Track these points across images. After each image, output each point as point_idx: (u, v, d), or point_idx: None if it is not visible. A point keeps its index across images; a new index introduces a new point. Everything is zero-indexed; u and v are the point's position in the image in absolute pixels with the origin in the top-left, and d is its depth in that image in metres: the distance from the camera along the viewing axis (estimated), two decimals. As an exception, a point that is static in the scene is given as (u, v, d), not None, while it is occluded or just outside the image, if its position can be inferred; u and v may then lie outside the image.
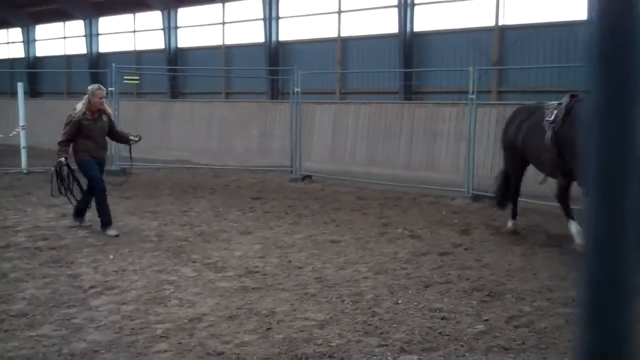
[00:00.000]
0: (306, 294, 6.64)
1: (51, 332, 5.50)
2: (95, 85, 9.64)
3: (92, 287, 6.80)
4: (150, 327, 5.63)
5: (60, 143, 9.30)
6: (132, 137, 9.98)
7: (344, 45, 22.51)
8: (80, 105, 9.29)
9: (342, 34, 22.59)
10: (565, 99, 8.58)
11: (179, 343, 5.29)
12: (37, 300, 6.33)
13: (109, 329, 5.60)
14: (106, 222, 9.37)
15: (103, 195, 9.36)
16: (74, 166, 9.49)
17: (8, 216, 10.66)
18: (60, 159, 9.27)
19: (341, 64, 22.45)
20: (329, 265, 7.77)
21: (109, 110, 9.91)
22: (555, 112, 8.52)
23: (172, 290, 6.70)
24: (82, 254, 8.18)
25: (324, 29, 23.10)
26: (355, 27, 22.30)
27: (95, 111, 9.40)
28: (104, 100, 9.59)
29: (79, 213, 9.74)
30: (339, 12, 22.68)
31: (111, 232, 9.25)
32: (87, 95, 9.36)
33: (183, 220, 10.56)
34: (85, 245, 8.65)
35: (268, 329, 5.60)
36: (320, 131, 17.24)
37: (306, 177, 15.55)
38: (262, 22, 24.22)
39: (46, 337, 5.39)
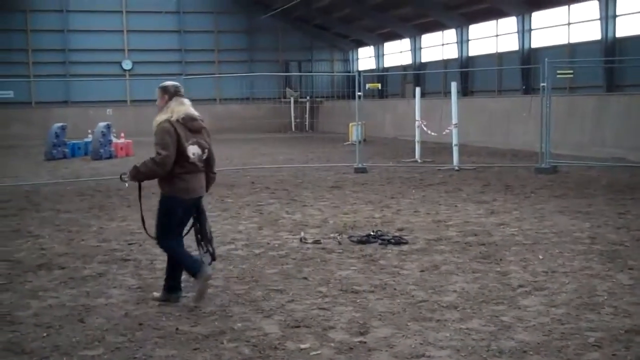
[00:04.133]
0: None
1: (480, 327, 5.48)
2: None
3: (520, 285, 6.63)
4: (581, 334, 5.26)
5: None
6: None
7: None
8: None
9: None
10: None
11: (613, 354, 4.85)
12: (467, 294, 6.39)
13: (537, 330, 5.38)
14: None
15: None
16: None
17: (440, 211, 11.12)
18: None
19: None
20: None
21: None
22: None
23: (605, 297, 6.17)
24: (511, 252, 8.07)
25: None
26: None
27: None
28: None
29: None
30: None
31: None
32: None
33: (619, 222, 9.74)
34: (514, 244, 8.52)
35: None
36: None
37: None
38: None
39: (475, 331, 5.39)
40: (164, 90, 6.27)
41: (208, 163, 6.40)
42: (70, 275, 7.28)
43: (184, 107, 6.19)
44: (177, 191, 6.15)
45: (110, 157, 22.55)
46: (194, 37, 43.57)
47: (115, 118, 31.77)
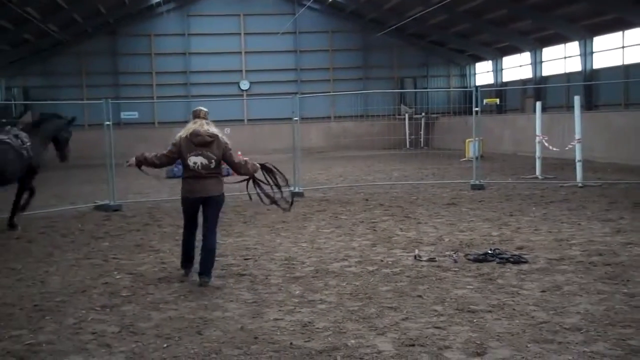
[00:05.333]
0: None
1: (606, 351, 5.22)
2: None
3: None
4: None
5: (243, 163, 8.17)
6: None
7: None
8: (215, 128, 7.94)
9: None
10: None
11: None
12: (592, 316, 6.08)
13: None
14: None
15: None
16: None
17: (562, 229, 10.67)
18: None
19: None
20: None
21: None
22: None
23: None
24: (639, 273, 7.60)
25: None
26: None
27: None
28: None
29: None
30: None
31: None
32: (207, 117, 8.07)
33: None
34: (644, 263, 8.04)
35: None
36: None
37: None
38: None
39: (600, 355, 5.14)
40: (192, 113, 8.15)
41: (233, 168, 8.15)
42: (189, 288, 7.50)
43: (194, 125, 7.86)
44: (184, 192, 7.97)
45: (227, 174, 23.11)
46: (309, 56, 44.33)
47: (233, 137, 32.54)
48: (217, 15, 42.90)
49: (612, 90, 31.27)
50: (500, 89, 38.12)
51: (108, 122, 15.08)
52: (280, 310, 6.55)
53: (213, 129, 7.87)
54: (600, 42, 33.12)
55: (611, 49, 32.45)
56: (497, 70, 43.01)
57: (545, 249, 9.09)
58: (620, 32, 31.43)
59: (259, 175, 8.56)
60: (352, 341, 5.58)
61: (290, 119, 17.33)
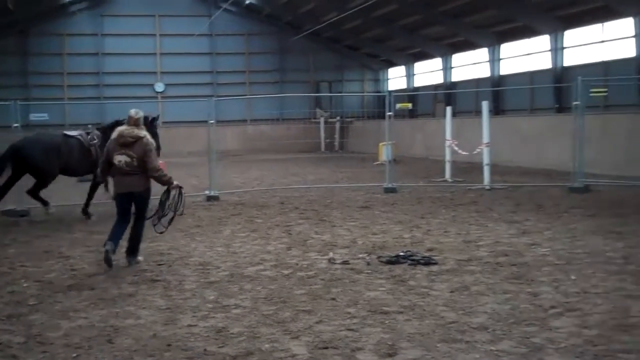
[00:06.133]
0: None
1: (511, 349, 5.43)
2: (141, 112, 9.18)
3: (552, 307, 6.54)
4: (614, 356, 5.21)
5: (159, 169, 9.01)
6: None
7: None
8: (142, 130, 8.86)
9: None
10: None
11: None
12: (498, 315, 6.32)
13: (569, 352, 5.32)
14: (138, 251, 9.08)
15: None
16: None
17: (470, 231, 11.02)
18: (176, 182, 9.14)
19: None
20: None
21: None
22: None
23: (639, 318, 6.06)
24: (543, 273, 7.96)
25: None
26: None
27: None
28: None
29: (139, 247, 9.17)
30: None
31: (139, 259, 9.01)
32: (139, 122, 8.94)
33: (653, 242, 9.56)
34: (546, 264, 8.41)
35: None
36: None
37: None
38: None
39: (505, 353, 5.34)
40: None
41: (145, 167, 8.69)
42: (100, 296, 7.34)
43: (122, 128, 8.83)
44: (115, 188, 9.00)
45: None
46: (225, 58, 44.09)
47: (148, 139, 32.19)
48: (131, 16, 42.12)
49: (518, 96, 32.45)
50: (412, 94, 38.97)
51: (16, 124, 14.66)
52: (194, 316, 6.50)
53: (137, 131, 8.72)
54: (508, 49, 34.36)
55: (518, 56, 33.72)
56: (410, 76, 43.96)
57: (454, 251, 9.36)
58: (527, 40, 32.70)
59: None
60: (267, 345, 5.61)
61: (206, 121, 17.19)
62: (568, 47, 30.17)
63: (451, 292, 7.19)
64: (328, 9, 38.27)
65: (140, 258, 9.00)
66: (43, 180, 13.21)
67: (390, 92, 23.15)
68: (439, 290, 7.25)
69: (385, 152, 21.32)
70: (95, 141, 13.31)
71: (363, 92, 47.03)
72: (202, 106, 19.74)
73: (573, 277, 7.66)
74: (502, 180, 18.28)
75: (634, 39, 25.80)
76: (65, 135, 13.50)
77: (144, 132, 8.80)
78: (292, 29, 44.09)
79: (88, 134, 13.50)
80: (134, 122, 8.83)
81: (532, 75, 32.35)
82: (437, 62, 40.66)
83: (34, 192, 13.21)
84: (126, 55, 41.86)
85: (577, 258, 8.68)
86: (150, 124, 13.77)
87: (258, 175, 22.87)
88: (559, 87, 28.11)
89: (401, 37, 39.69)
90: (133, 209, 9.01)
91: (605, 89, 18.95)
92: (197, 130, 34.34)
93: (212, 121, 16.81)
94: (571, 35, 29.99)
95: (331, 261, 8.81)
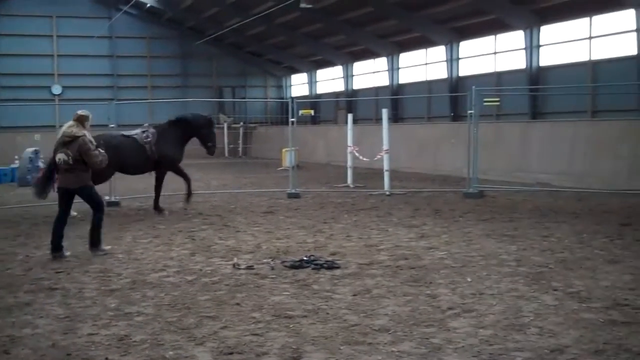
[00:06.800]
0: (688, 335, 5.79)
1: (411, 350, 5.57)
2: (88, 112, 9.82)
3: (450, 308, 6.77)
4: (508, 354, 5.41)
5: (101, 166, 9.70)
6: None
7: None
8: (80, 129, 9.47)
9: None
10: None
11: (539, 375, 4.98)
12: (398, 317, 6.49)
13: (466, 351, 5.50)
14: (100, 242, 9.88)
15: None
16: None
17: (372, 235, 11.27)
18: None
19: None
20: None
21: None
22: None
23: (531, 318, 6.36)
24: (440, 275, 8.23)
25: None
26: None
27: None
28: None
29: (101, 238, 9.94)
30: None
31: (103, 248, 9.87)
32: (83, 120, 9.61)
33: (543, 245, 10.07)
34: (443, 267, 8.70)
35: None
36: None
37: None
38: (634, 34, 22.27)
39: (406, 354, 5.47)
40: None
41: (83, 164, 9.38)
42: (-6, 305, 7.06)
43: (64, 127, 9.52)
44: (57, 182, 9.82)
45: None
46: (126, 61, 43.14)
47: (44, 144, 30.95)
48: (27, 16, 40.53)
49: (416, 104, 33.34)
50: (314, 101, 39.35)
51: None
52: (94, 325, 6.35)
53: (75, 130, 9.38)
54: (407, 58, 35.28)
55: (416, 65, 34.68)
56: (312, 83, 44.38)
57: (356, 255, 9.54)
58: (424, 50, 33.68)
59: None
60: (171, 353, 5.55)
61: (106, 125, 16.78)
62: (463, 58, 31.29)
63: (353, 295, 7.33)
64: (231, 15, 38.13)
65: (106, 247, 9.84)
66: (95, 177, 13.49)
67: (292, 98, 23.28)
68: (342, 294, 7.38)
69: (288, 158, 21.45)
70: (149, 139, 14.01)
71: (266, 98, 47.08)
72: (102, 110, 19.24)
73: (469, 279, 7.96)
74: (402, 185, 18.75)
75: (524, 51, 27.08)
76: (123, 135, 14.30)
77: (82, 132, 9.38)
78: (195, 33, 43.65)
79: (144, 132, 14.17)
80: (76, 118, 9.56)
81: (430, 84, 33.33)
82: (338, 70, 41.24)
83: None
84: (22, 56, 40.25)
85: (473, 261, 9.03)
86: (208, 123, 15.05)
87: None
88: (455, 96, 29.11)
89: (303, 45, 40.04)
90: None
91: (498, 99, 19.78)
92: (96, 134, 33.29)
93: (112, 125, 16.43)
94: (466, 47, 31.15)
95: (235, 266, 8.81)
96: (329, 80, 43.08)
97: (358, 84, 39.97)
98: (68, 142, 9.32)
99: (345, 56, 39.35)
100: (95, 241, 9.73)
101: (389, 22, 31.96)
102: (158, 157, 14.24)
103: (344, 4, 31.44)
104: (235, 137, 39.86)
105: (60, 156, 9.33)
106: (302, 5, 29.90)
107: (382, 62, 36.76)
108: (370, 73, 38.53)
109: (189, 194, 14.77)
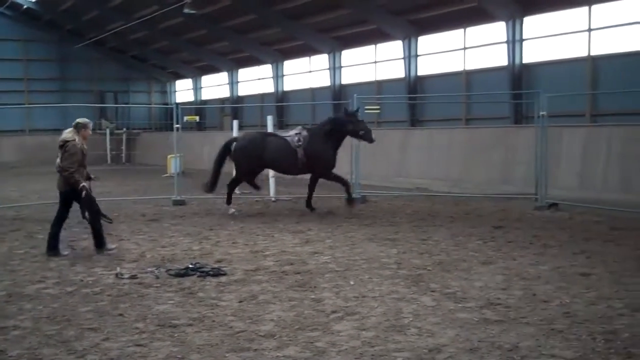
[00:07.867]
0: (552, 329, 6.20)
1: (296, 354, 5.67)
2: (87, 120, 10.30)
3: (333, 311, 6.93)
4: (389, 355, 5.60)
5: (73, 172, 9.85)
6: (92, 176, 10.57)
7: (595, 64, 21.11)
8: (73, 135, 10.02)
9: (593, 53, 21.19)
10: None
11: (418, 373, 5.19)
12: (284, 322, 6.58)
13: (349, 354, 5.65)
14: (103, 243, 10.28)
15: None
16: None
17: (258, 241, 11.34)
18: (84, 184, 9.91)
19: (592, 84, 21.06)
20: (579, 300, 7.22)
21: None
22: None
23: (411, 319, 6.62)
24: (325, 279, 8.40)
25: (572, 49, 21.87)
26: (608, 45, 20.81)
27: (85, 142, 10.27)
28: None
29: (103, 239, 10.33)
30: (589, 30, 21.29)
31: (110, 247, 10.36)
32: (79, 127, 10.12)
33: (422, 248, 10.47)
34: (327, 271, 8.88)
35: (511, 365, 5.30)
36: (568, 156, 16.34)
37: (552, 205, 14.73)
38: (505, 46, 23.56)
39: (292, 359, 5.57)
40: None
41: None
42: None
43: (62, 135, 10.07)
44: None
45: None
46: (0, 65, 41.15)
47: None
48: None
49: (301, 111, 33.70)
50: (200, 107, 39.00)
51: None
52: (-33, 341, 6.08)
53: (68, 136, 9.94)
54: (291, 65, 35.63)
55: (300, 73, 35.08)
56: (197, 89, 43.98)
57: (242, 261, 9.58)
58: (308, 58, 34.14)
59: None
60: (50, 366, 5.41)
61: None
62: (345, 66, 31.97)
63: (239, 302, 7.37)
64: (113, 19, 37.20)
65: (111, 246, 10.36)
66: (237, 173, 15.18)
67: (177, 104, 22.96)
68: (228, 301, 7.41)
69: (173, 165, 21.15)
70: (300, 142, 14.29)
71: (150, 104, 46.17)
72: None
73: (352, 283, 8.17)
74: (287, 191, 18.89)
75: (402, 61, 28.00)
76: (272, 135, 15.25)
77: (73, 138, 9.92)
78: (75, 37, 42.26)
79: (297, 134, 14.48)
80: (74, 125, 10.08)
81: (314, 92, 33.80)
82: (223, 76, 41.08)
83: (230, 185, 15.13)
84: None
85: (356, 264, 9.26)
86: (349, 118, 14.79)
87: (38, 189, 21.58)
88: (337, 103, 29.68)
89: (188, 50, 39.63)
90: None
91: (379, 107, 20.40)
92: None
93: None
94: (348, 55, 31.84)
95: (118, 276, 8.63)
96: (214, 86, 42.83)
97: (243, 90, 39.97)
98: (60, 146, 9.94)
99: (230, 62, 39.25)
100: (100, 243, 10.17)
101: (272, 29, 32.18)
102: (308, 161, 14.48)
103: (228, 11, 31.39)
104: (118, 143, 38.84)
105: (57, 160, 10.00)
106: (186, 10, 29.65)
107: (267, 69, 36.95)
108: (256, 80, 38.62)
109: (350, 199, 14.84)
